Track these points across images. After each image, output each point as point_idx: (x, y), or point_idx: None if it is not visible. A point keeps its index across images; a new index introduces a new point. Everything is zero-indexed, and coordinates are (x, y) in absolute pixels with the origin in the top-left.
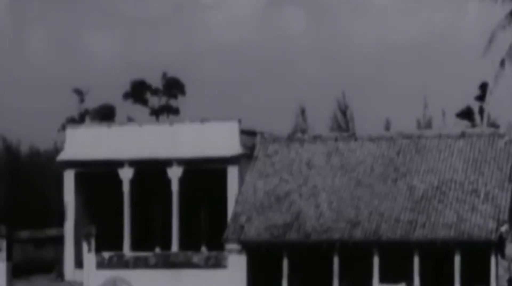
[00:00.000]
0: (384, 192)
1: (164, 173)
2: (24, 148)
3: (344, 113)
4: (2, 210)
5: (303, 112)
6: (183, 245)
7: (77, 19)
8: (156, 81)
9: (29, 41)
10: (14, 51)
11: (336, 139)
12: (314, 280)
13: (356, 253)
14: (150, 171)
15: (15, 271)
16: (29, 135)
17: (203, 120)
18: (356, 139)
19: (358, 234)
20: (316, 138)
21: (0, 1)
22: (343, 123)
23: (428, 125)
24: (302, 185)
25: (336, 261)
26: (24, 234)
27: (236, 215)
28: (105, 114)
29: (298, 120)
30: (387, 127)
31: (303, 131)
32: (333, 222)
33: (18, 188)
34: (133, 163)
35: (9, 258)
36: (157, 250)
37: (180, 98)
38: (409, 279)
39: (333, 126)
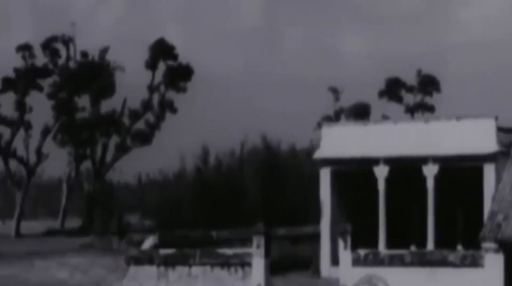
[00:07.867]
0: None
1: (420, 171)
2: (284, 147)
3: None
4: (261, 208)
5: None
6: (439, 243)
7: (331, 19)
8: (411, 79)
9: (285, 42)
10: (271, 52)
11: None
12: None
13: None
14: (405, 169)
15: (273, 268)
16: (288, 134)
17: (458, 117)
18: None
19: None
20: None
21: (255, 2)
22: None
23: None
24: None
25: None
26: (281, 231)
27: (492, 214)
28: (360, 112)
29: None
30: None
31: None
32: None
33: (277, 185)
34: (388, 161)
35: (267, 254)
36: (413, 248)
37: (435, 95)
38: None
39: None
